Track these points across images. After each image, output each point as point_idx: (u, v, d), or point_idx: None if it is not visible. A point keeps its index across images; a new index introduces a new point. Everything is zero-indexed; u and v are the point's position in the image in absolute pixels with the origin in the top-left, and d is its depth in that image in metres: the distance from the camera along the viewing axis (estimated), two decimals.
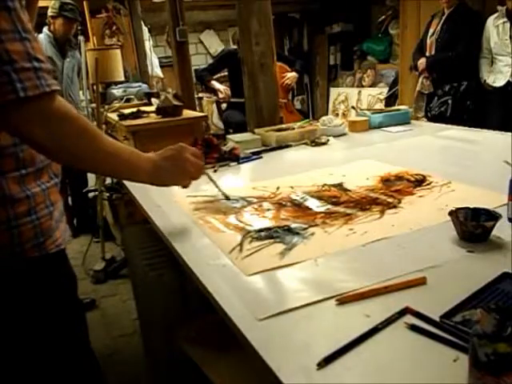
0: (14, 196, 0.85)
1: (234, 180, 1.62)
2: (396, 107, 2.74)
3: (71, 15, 3.36)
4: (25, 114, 0.76)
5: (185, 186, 1.13)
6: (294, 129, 2.13)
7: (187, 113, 3.20)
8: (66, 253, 1.00)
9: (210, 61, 5.75)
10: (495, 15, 3.41)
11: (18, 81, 0.73)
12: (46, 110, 0.78)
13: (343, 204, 1.23)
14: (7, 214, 0.85)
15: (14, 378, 0.93)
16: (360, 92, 5.91)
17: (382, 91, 5.60)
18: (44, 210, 0.91)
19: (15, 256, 0.87)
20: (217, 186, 1.32)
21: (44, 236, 0.90)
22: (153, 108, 3.27)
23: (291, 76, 4.27)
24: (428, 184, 1.33)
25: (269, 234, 1.07)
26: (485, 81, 3.48)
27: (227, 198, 1.33)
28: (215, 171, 1.65)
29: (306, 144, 2.01)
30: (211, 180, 1.30)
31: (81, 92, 3.86)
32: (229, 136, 2.15)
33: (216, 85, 4.40)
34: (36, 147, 0.83)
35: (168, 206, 1.34)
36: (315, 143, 1.98)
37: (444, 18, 3.54)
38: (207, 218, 1.20)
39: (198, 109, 4.92)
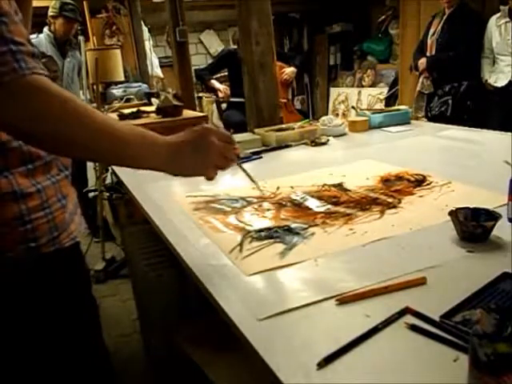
0: (23, 190, 0.83)
1: (234, 180, 1.62)
2: (396, 107, 2.74)
3: (71, 15, 3.36)
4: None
5: (210, 179, 0.92)
6: (293, 129, 2.13)
7: (187, 113, 3.19)
8: (80, 247, 0.99)
9: (210, 61, 5.75)
10: (497, 15, 3.41)
11: None
12: (17, 88, 0.70)
13: (343, 204, 1.23)
14: (20, 210, 0.82)
15: (28, 374, 0.92)
16: (360, 92, 5.91)
17: (382, 91, 5.60)
18: (57, 204, 0.88)
19: (30, 251, 0.85)
20: (251, 179, 1.10)
21: (58, 230, 0.88)
22: (153, 108, 3.27)
23: (289, 71, 4.28)
24: (428, 184, 1.33)
25: (269, 234, 1.06)
26: (486, 81, 3.48)
27: (260, 190, 1.20)
28: None
29: (305, 144, 2.00)
30: (244, 171, 1.07)
31: (81, 92, 3.86)
32: None
33: (216, 84, 4.40)
34: (15, 133, 0.76)
35: (168, 205, 1.34)
36: (315, 143, 1.98)
37: (445, 18, 3.54)
38: (207, 218, 1.20)
39: (197, 109, 4.92)
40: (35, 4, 1.03)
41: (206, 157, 0.89)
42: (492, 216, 0.97)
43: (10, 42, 0.70)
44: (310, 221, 1.13)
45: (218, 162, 0.90)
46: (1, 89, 0.69)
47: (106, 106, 3.73)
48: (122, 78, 4.06)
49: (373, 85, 5.82)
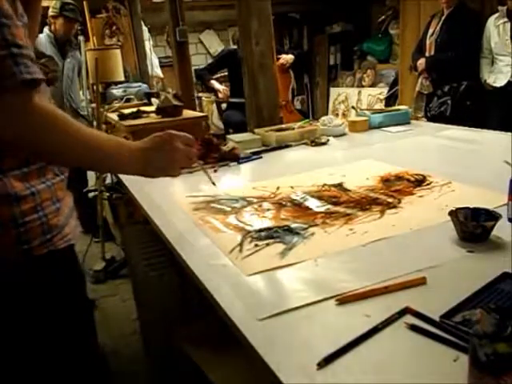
0: (18, 193, 0.83)
1: (234, 180, 1.62)
2: (396, 107, 2.74)
3: (72, 15, 3.37)
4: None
5: (175, 176, 1.08)
6: (293, 129, 2.13)
7: (187, 113, 3.19)
8: (75, 249, 0.99)
9: (210, 61, 5.75)
10: (496, 15, 3.41)
11: None
12: (22, 104, 0.73)
13: (343, 204, 1.23)
14: (13, 212, 0.83)
15: (22, 377, 0.92)
16: (360, 92, 5.91)
17: (381, 91, 5.59)
18: (51, 207, 0.89)
19: (23, 254, 0.85)
20: (207, 175, 1.26)
21: (52, 232, 0.88)
22: (153, 108, 3.27)
23: (287, 57, 4.34)
24: (428, 184, 1.33)
25: (269, 234, 1.06)
26: (485, 81, 3.48)
27: (213, 184, 1.26)
28: (215, 171, 1.65)
29: (306, 144, 2.00)
30: (202, 169, 1.26)
31: (81, 92, 3.86)
32: (229, 136, 2.15)
33: (215, 85, 4.41)
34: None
35: (168, 205, 1.34)
36: (315, 143, 1.98)
37: (443, 18, 3.54)
38: (207, 218, 1.20)
39: (197, 109, 4.92)
40: None
41: (172, 160, 1.02)
42: (492, 216, 0.97)
43: (12, 44, 0.71)
44: (310, 221, 1.13)
45: (182, 163, 1.05)
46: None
47: (106, 106, 3.73)
48: (122, 78, 4.05)
49: (373, 85, 5.81)
